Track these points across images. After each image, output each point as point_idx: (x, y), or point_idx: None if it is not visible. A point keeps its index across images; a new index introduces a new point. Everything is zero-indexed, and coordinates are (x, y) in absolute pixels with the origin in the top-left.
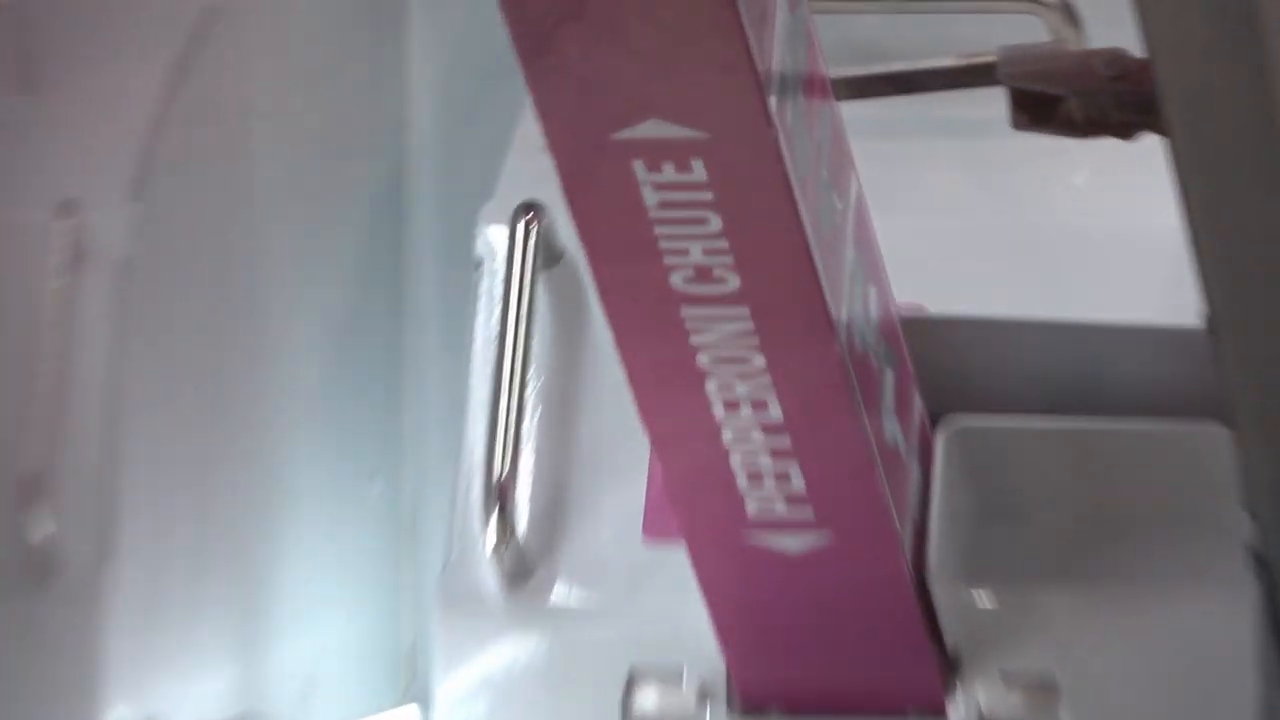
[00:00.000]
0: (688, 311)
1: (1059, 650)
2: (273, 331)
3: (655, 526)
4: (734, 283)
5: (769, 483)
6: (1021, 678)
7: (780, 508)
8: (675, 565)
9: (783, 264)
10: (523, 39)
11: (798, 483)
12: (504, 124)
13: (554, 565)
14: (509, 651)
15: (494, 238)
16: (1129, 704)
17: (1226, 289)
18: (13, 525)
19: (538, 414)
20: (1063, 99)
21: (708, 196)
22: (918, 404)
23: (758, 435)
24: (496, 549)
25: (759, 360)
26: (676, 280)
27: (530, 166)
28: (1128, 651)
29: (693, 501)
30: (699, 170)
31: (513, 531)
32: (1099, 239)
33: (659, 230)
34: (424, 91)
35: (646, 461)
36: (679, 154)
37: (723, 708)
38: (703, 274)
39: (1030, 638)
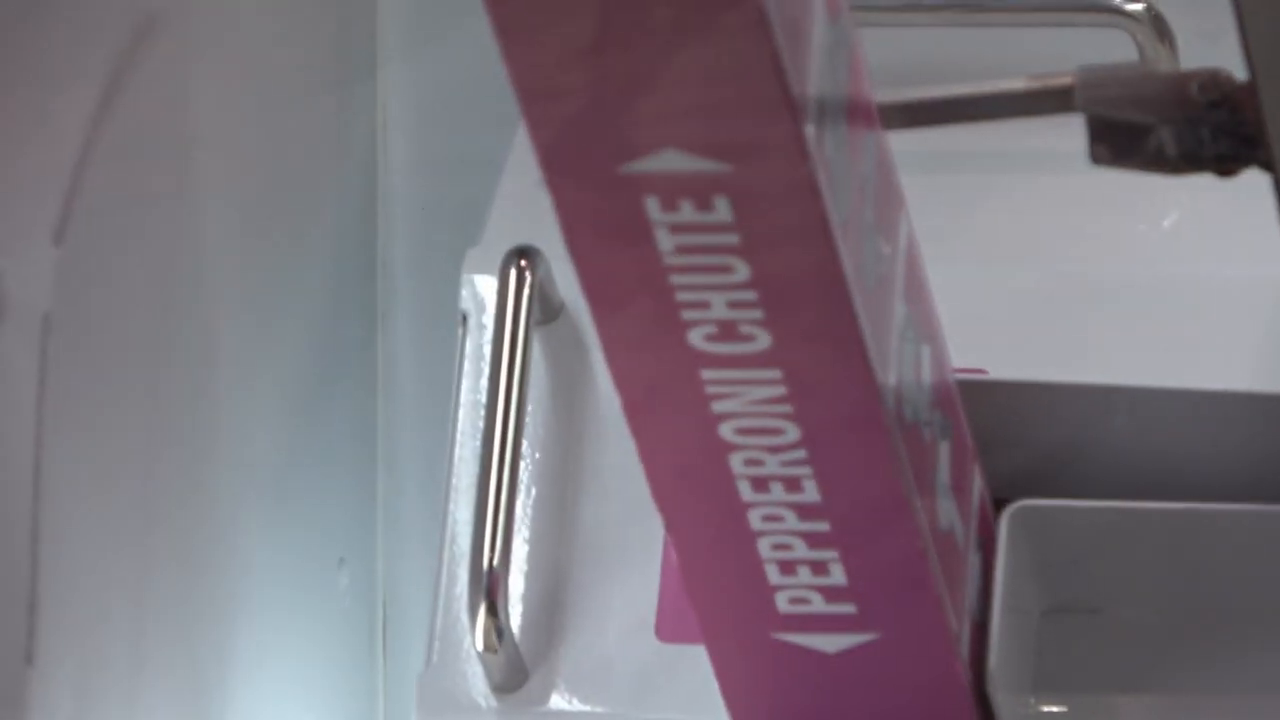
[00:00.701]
0: (709, 374)
1: None
2: (222, 397)
3: (670, 625)
4: (763, 341)
5: (804, 574)
6: None
7: (817, 603)
8: (693, 668)
9: (820, 319)
10: (516, 57)
11: (837, 575)
12: (491, 156)
13: (552, 668)
14: None
15: (481, 288)
16: None
17: None
18: None
19: (533, 493)
20: (1151, 129)
21: (733, 240)
22: (978, 483)
23: (791, 520)
24: (486, 648)
25: (792, 432)
26: (696, 338)
27: (523, 205)
28: None
29: (715, 596)
30: (723, 209)
31: (505, 628)
32: (1193, 292)
33: (675, 279)
34: (397, 122)
35: (660, 549)
36: (699, 190)
37: None
38: (727, 331)
39: None
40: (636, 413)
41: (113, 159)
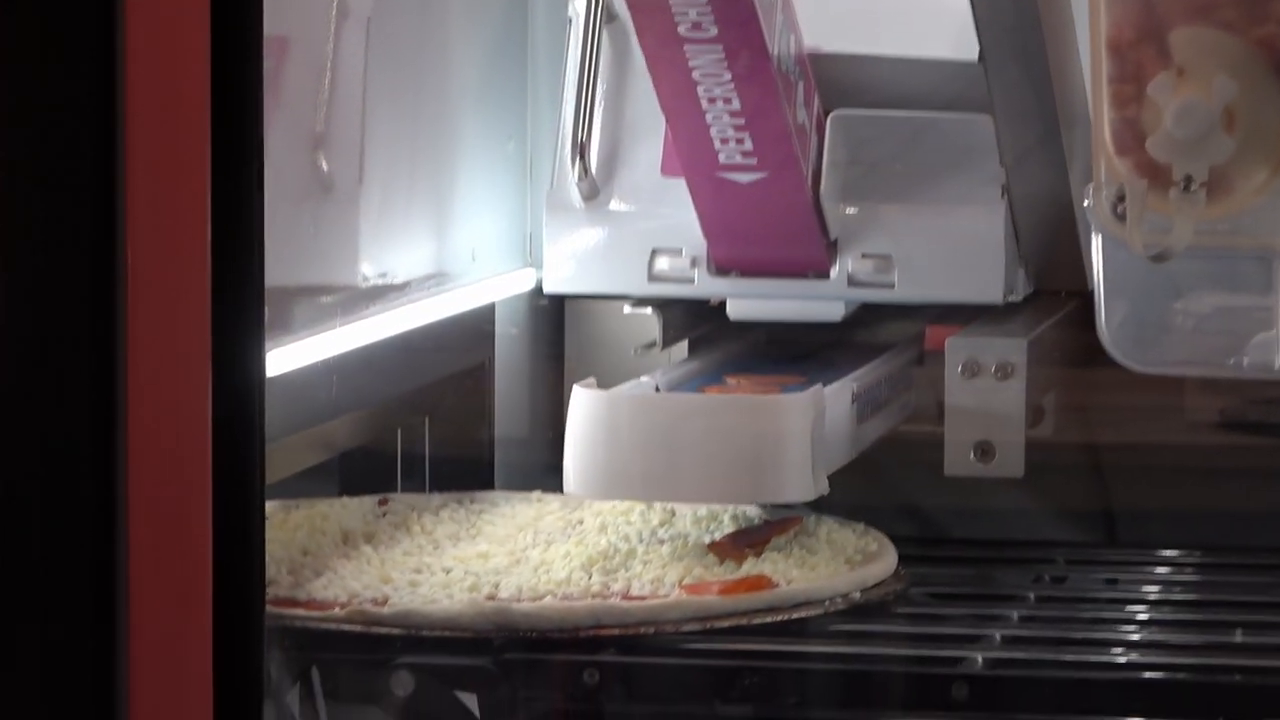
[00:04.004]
0: (688, 48)
1: (893, 239)
2: (452, 55)
3: (669, 167)
4: (713, 31)
5: (731, 144)
6: (871, 256)
7: (737, 158)
8: (680, 190)
9: (741, 22)
10: None
11: (747, 144)
12: None
13: (610, 189)
14: (586, 237)
15: (579, 5)
16: (931, 266)
17: (988, 36)
18: (312, 162)
19: (602, 104)
20: None
21: None
22: (817, 103)
23: (725, 117)
24: (578, 179)
25: (727, 76)
26: (681, 29)
27: None
28: (933, 239)
29: (690, 153)
30: None
31: (588, 169)
32: (922, 12)
33: (672, 1)
34: None
35: (663, 131)
36: None
37: (704, 269)
38: (696, 26)
39: (877, 232)
40: (653, 67)
41: None
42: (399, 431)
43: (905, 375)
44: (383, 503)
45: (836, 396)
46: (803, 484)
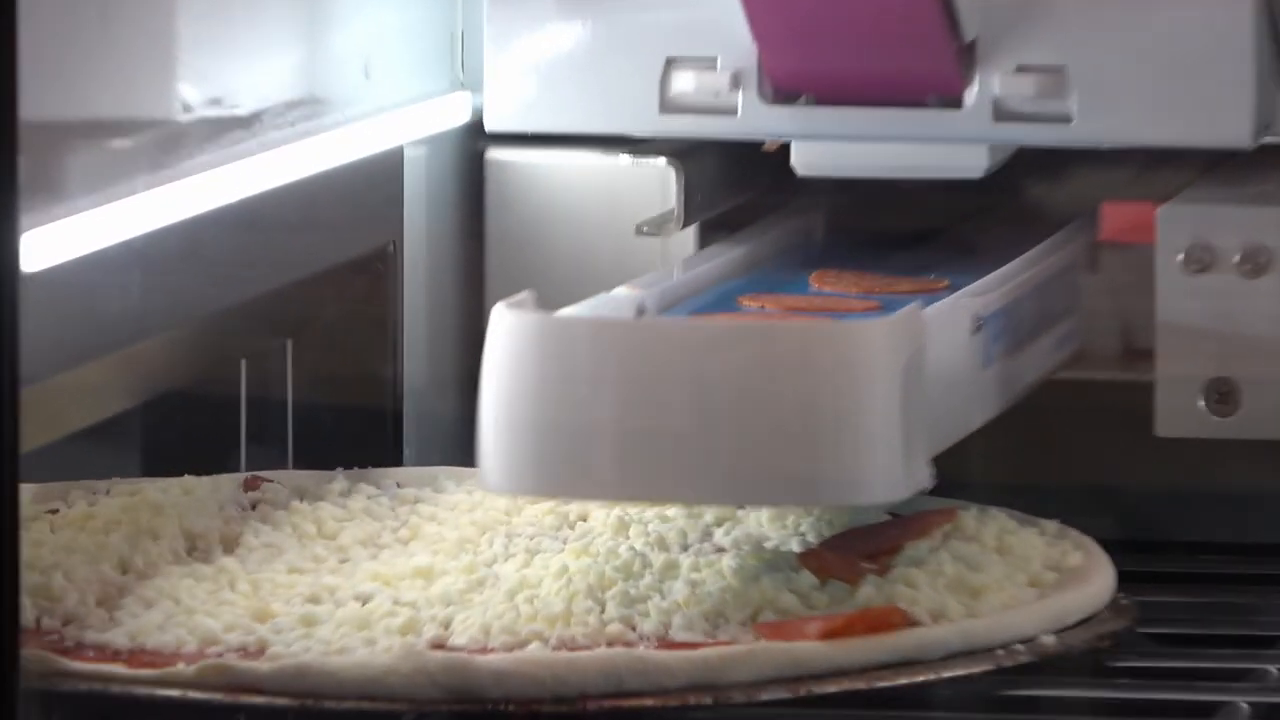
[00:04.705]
0: None
1: (1069, 42)
2: None
3: None
4: None
5: None
6: (1034, 69)
7: None
8: None
9: None
10: None
11: None
12: None
13: None
14: (555, 39)
15: None
16: (1133, 91)
17: None
18: None
19: None
20: None
21: None
22: None
23: None
24: None
25: None
26: None
27: None
28: (1133, 45)
29: None
30: None
31: None
32: None
33: None
34: None
35: None
36: None
37: (754, 93)
38: None
39: (1044, 34)
40: None
41: None
42: (243, 363)
43: (1070, 282)
44: (251, 485)
45: (947, 323)
46: (888, 474)
